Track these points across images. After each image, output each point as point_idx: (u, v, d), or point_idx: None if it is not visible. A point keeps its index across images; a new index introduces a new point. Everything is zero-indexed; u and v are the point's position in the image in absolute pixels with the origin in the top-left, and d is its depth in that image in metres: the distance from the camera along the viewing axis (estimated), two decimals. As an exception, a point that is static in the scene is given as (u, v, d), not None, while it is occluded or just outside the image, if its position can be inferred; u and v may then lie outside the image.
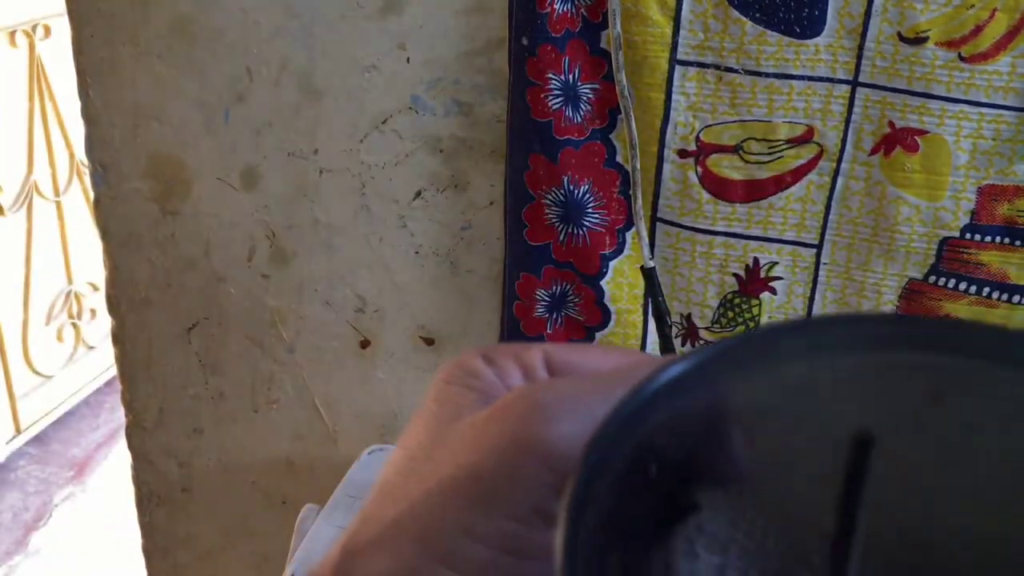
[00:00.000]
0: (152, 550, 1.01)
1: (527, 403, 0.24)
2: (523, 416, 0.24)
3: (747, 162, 0.74)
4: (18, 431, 2.16)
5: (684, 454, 0.23)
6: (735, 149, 0.74)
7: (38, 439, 2.27)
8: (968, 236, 0.72)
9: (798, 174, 0.74)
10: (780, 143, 0.73)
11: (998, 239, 0.72)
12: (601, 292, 0.79)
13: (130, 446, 0.97)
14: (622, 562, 0.22)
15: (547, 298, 0.80)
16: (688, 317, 0.80)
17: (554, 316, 0.81)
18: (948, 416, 0.22)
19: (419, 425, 0.27)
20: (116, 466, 2.20)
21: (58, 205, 1.98)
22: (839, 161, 0.73)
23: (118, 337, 0.91)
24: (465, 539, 0.24)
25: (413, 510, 0.25)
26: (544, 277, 0.80)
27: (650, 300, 0.79)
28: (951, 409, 0.22)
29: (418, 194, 0.82)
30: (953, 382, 0.22)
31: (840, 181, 0.73)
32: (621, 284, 0.79)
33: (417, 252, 0.84)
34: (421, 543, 0.24)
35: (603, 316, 0.80)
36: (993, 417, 0.22)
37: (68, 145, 1.99)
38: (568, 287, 0.80)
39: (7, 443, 2.15)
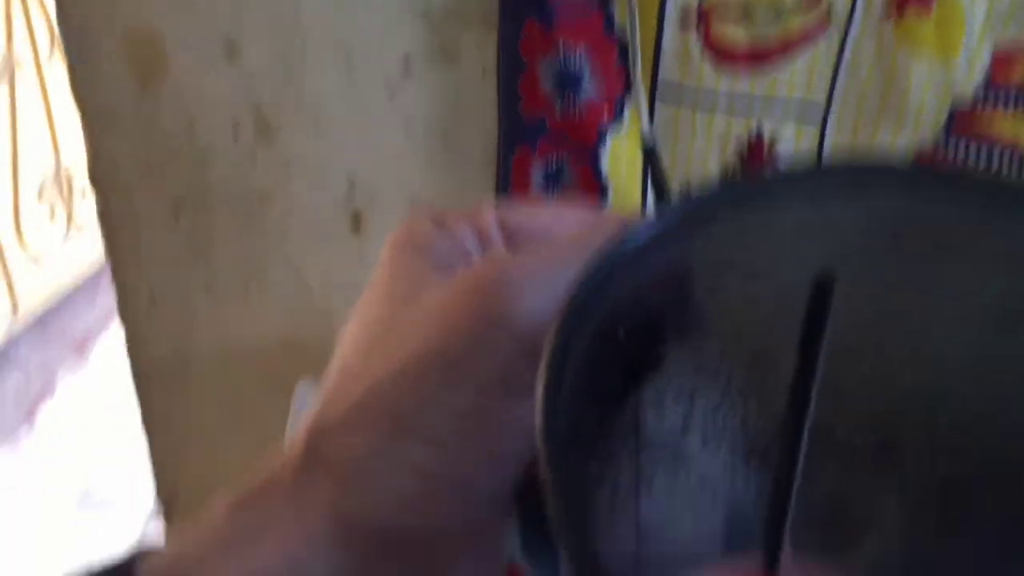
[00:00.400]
0: (152, 429, 1.02)
1: (492, 279, 0.24)
2: (489, 291, 0.24)
3: (751, 27, 0.71)
4: (16, 311, 2.17)
5: (650, 314, 0.24)
6: (739, 14, 0.71)
7: (38, 319, 2.29)
8: (981, 101, 0.70)
9: (805, 39, 0.71)
10: (786, 7, 0.70)
11: (1012, 105, 0.69)
12: (598, 166, 0.77)
13: (123, 328, 0.96)
14: (597, 421, 0.23)
15: (543, 172, 0.78)
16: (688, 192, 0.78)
17: (550, 191, 0.79)
18: (909, 257, 0.23)
19: (375, 299, 0.27)
20: (116, 345, 2.23)
21: (41, 81, 1.94)
22: (848, 25, 0.70)
23: (104, 218, 0.89)
24: (435, 413, 0.24)
25: (380, 388, 0.25)
26: (539, 151, 0.77)
27: (649, 174, 0.77)
28: (911, 250, 0.23)
29: (407, 66, 0.79)
30: (915, 226, 0.23)
31: (849, 46, 0.70)
32: (619, 158, 0.77)
33: (407, 127, 0.81)
34: (390, 420, 0.24)
35: (601, 191, 0.78)
36: (953, 257, 0.23)
37: (46, 15, 1.93)
38: (564, 161, 0.78)
39: (7, 323, 2.17)
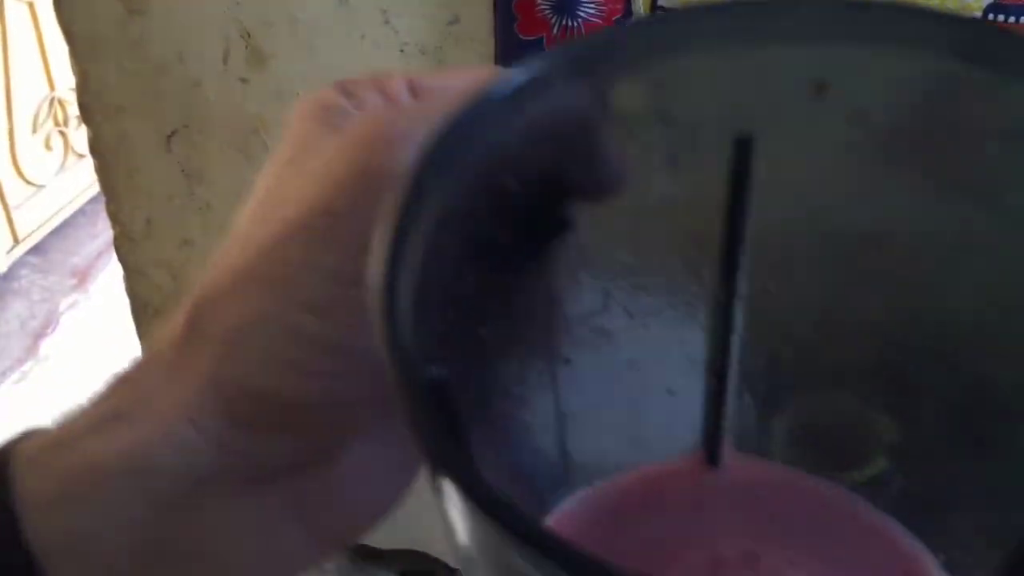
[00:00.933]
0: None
1: (373, 130, 0.23)
2: (369, 144, 0.23)
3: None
4: (16, 241, 2.17)
5: (548, 166, 0.21)
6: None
7: (38, 249, 2.29)
8: (991, 16, 0.68)
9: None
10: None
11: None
12: (597, 88, 0.76)
13: (120, 259, 0.96)
14: (478, 286, 0.20)
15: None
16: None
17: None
18: (833, 106, 0.20)
19: (270, 168, 0.25)
20: (117, 274, 2.23)
21: (32, 10, 1.90)
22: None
23: (95, 147, 0.88)
24: (315, 278, 0.22)
25: (261, 254, 0.23)
26: (537, 74, 0.76)
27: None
28: (836, 99, 0.20)
29: (400, -14, 0.77)
30: (837, 70, 0.20)
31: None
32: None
33: (402, 50, 0.79)
34: (269, 285, 0.23)
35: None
36: (879, 103, 0.20)
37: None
38: (562, 84, 0.76)
39: (7, 253, 2.17)
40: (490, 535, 0.15)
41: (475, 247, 0.20)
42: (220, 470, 0.23)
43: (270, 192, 0.24)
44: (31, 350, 2.05)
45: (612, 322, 0.23)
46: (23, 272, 2.27)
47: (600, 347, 0.23)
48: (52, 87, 2.02)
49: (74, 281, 2.27)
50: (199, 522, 0.24)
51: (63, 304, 2.18)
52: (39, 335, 2.12)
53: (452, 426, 0.17)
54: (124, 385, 0.24)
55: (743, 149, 0.20)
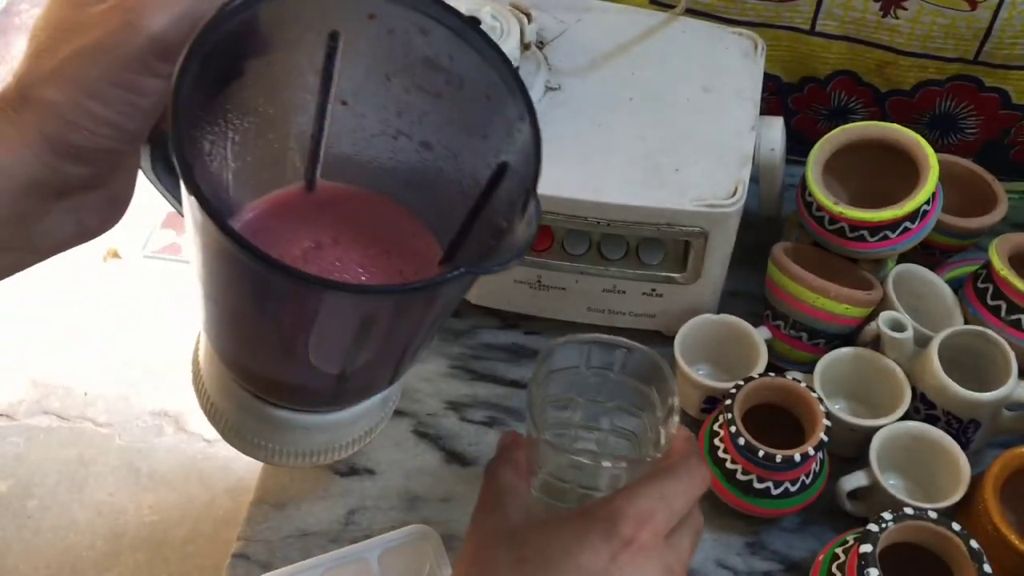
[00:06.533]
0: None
1: (136, 3, 0.38)
2: (133, 9, 0.38)
3: None
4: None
5: (235, 47, 0.39)
6: None
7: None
8: None
9: None
10: None
11: None
12: None
13: None
14: (205, 104, 0.40)
15: None
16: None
17: None
18: (376, 27, 0.41)
19: (55, 8, 0.40)
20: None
21: None
22: None
23: None
24: (101, 80, 0.38)
25: (69, 62, 0.38)
26: None
27: None
28: (386, 22, 0.41)
29: None
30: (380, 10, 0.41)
31: None
32: None
33: None
34: (76, 82, 0.38)
35: None
36: (413, 30, 0.41)
37: None
38: None
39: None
40: (204, 222, 0.34)
41: (223, 67, 0.40)
42: (42, 182, 0.39)
43: (66, 22, 0.39)
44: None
45: (260, 117, 0.44)
46: (23, 7, 2.38)
47: (257, 131, 0.44)
48: None
49: None
50: (22, 211, 0.40)
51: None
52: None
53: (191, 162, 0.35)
54: None
55: (334, 38, 0.41)
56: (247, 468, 1.70)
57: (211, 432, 1.76)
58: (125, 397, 1.83)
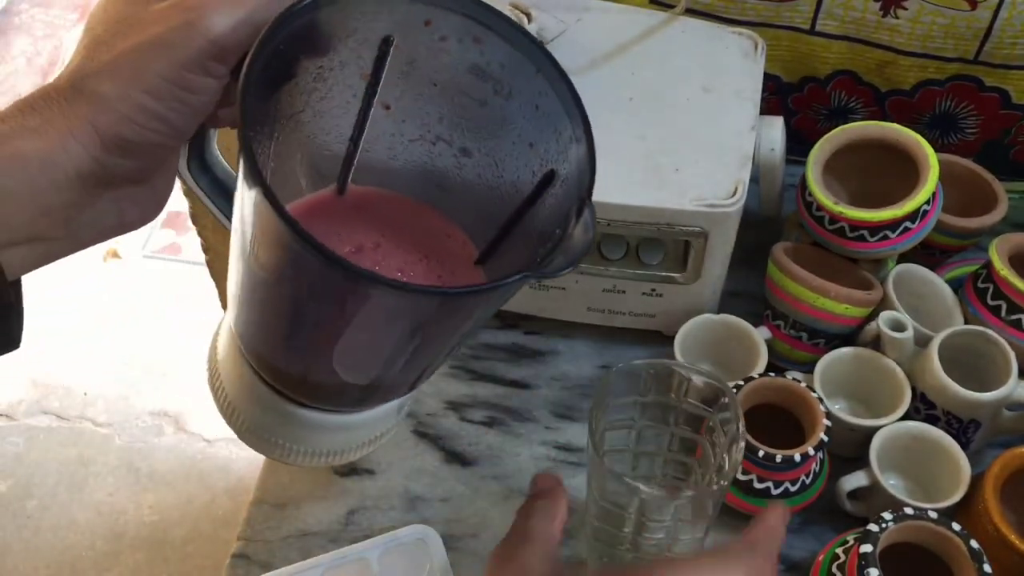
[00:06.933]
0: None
1: (198, 3, 0.39)
2: (195, 9, 0.39)
3: None
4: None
5: (293, 49, 0.41)
6: None
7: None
8: None
9: None
10: None
11: None
12: None
13: None
14: (270, 98, 0.42)
15: None
16: None
17: None
18: (429, 33, 0.42)
19: (113, 2, 0.41)
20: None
21: None
22: None
23: None
24: (157, 77, 0.39)
25: (124, 56, 0.39)
26: None
27: None
28: (440, 29, 0.43)
29: None
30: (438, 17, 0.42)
31: None
32: None
33: None
34: (131, 77, 0.39)
35: None
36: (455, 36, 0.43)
37: None
38: None
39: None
40: (271, 221, 0.34)
41: (272, 74, 0.40)
42: (89, 173, 0.39)
43: (119, 22, 0.40)
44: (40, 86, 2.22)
45: (319, 117, 0.45)
46: (23, 7, 2.37)
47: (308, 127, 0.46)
48: None
49: (76, 15, 2.35)
50: (67, 202, 0.40)
51: (67, 39, 2.28)
52: (47, 72, 2.25)
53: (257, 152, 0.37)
54: (33, 111, 0.39)
55: (387, 42, 0.42)
56: (247, 468, 1.70)
57: (211, 432, 1.77)
58: (125, 397, 1.83)
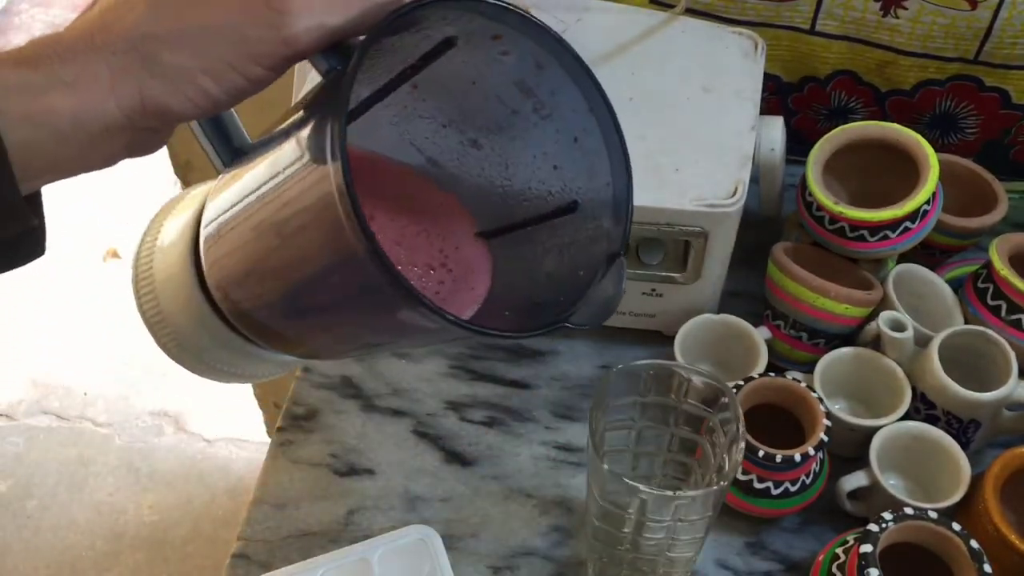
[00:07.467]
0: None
1: (285, 6, 0.38)
2: (283, 12, 0.38)
3: None
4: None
5: (410, 42, 0.42)
6: None
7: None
8: None
9: None
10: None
11: None
12: None
13: None
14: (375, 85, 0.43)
15: None
16: None
17: None
18: (494, 46, 0.43)
19: None
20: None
21: None
22: None
23: None
24: (222, 64, 0.39)
25: (192, 31, 0.38)
26: None
27: None
28: (506, 45, 0.43)
29: None
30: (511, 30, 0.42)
31: None
32: None
33: None
34: (196, 53, 0.38)
35: None
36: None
37: None
38: None
39: (7, -12, 2.24)
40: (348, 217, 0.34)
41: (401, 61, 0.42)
42: (117, 129, 0.39)
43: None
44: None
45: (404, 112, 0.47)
46: (23, 7, 2.38)
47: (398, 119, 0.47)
48: None
49: (76, 16, 2.35)
50: (99, 148, 0.40)
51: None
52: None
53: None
54: (71, 58, 0.38)
55: (449, 43, 0.42)
56: (247, 468, 1.70)
57: (211, 432, 1.77)
58: (125, 397, 1.83)
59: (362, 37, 0.39)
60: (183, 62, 0.38)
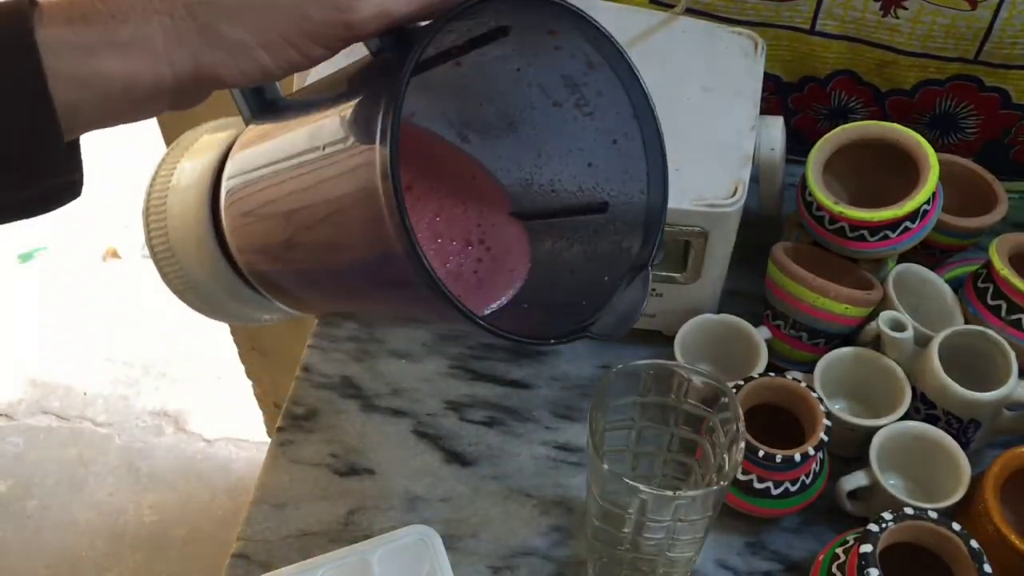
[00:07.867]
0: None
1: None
2: (338, 6, 0.38)
3: None
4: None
5: (462, 26, 0.43)
6: None
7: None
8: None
9: None
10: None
11: None
12: None
13: None
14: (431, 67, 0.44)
15: None
16: None
17: None
18: (548, 40, 0.45)
19: None
20: None
21: None
22: None
23: None
24: (281, 40, 0.38)
25: (261, 9, 0.38)
26: None
27: None
28: (560, 41, 0.45)
29: None
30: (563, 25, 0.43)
31: None
32: None
33: None
34: (256, 27, 0.38)
35: None
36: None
37: None
38: None
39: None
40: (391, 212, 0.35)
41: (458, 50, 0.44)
42: (167, 90, 0.39)
43: None
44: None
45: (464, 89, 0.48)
46: None
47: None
48: None
49: None
50: (144, 107, 0.40)
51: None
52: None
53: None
54: (125, 18, 0.37)
55: (503, 31, 0.43)
56: (247, 468, 1.70)
57: (211, 432, 1.77)
58: (125, 397, 1.83)
59: (422, 23, 0.39)
60: (242, 36, 0.38)
